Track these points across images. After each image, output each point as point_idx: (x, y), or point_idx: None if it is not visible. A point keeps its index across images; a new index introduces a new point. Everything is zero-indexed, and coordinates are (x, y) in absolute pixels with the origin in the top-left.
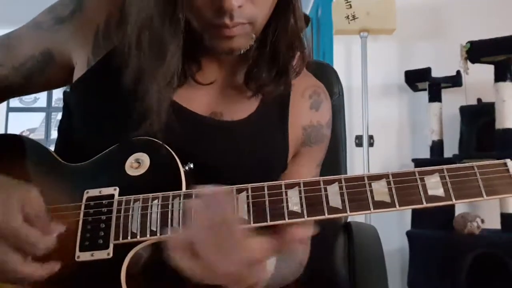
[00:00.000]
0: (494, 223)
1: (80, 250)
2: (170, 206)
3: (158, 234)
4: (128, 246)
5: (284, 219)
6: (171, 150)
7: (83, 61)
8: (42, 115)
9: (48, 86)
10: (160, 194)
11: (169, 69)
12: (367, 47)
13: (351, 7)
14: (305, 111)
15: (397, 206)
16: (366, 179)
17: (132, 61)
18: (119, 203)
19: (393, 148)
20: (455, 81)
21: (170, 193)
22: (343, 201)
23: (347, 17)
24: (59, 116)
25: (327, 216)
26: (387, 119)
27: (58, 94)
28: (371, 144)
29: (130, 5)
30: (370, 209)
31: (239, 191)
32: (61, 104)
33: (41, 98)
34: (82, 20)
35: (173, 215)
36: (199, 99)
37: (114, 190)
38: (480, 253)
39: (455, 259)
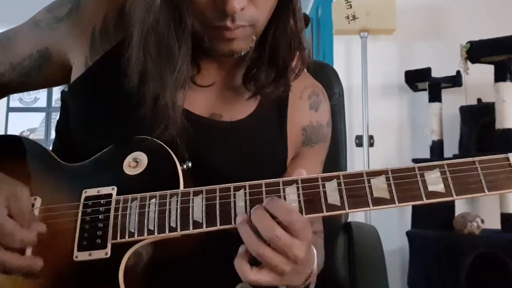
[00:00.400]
0: (494, 223)
1: (78, 250)
2: (167, 204)
3: (155, 233)
4: (126, 246)
5: None
6: (169, 149)
7: (80, 60)
8: (42, 115)
9: (46, 84)
10: (157, 193)
11: (181, 73)
12: (367, 47)
13: (351, 7)
14: (304, 111)
15: (397, 202)
16: (365, 175)
17: (136, 64)
18: (117, 202)
19: (393, 148)
20: (455, 81)
21: (168, 192)
22: (341, 197)
23: (347, 17)
24: (58, 116)
25: (325, 213)
26: (387, 119)
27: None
28: (371, 144)
29: (134, 7)
30: (369, 206)
31: (237, 188)
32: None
33: (41, 98)
34: (78, 19)
35: (171, 213)
36: (198, 101)
37: (112, 190)
38: (480, 253)
39: (455, 259)
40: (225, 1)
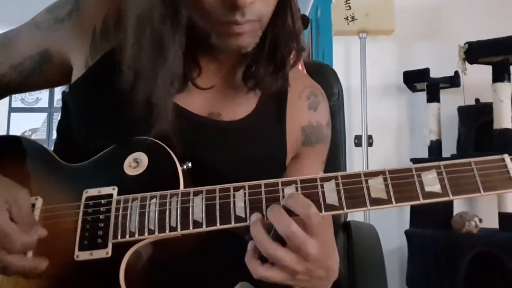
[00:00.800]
0: (492, 222)
1: (79, 250)
2: (168, 204)
3: (156, 233)
4: (127, 245)
5: None
6: (169, 150)
7: (81, 61)
8: (44, 115)
9: (47, 85)
10: (158, 193)
11: (171, 69)
12: (366, 48)
13: (350, 8)
14: (303, 111)
15: (394, 202)
16: (362, 175)
17: (130, 60)
18: (118, 202)
19: (391, 148)
20: (453, 81)
21: (168, 192)
22: (339, 198)
23: (346, 18)
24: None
25: (324, 213)
26: (386, 119)
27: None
28: (370, 144)
29: (129, 4)
30: (367, 206)
31: (236, 189)
32: None
33: (43, 99)
34: (79, 20)
35: (171, 213)
36: (197, 100)
37: (113, 190)
38: (478, 252)
39: (454, 258)
40: None
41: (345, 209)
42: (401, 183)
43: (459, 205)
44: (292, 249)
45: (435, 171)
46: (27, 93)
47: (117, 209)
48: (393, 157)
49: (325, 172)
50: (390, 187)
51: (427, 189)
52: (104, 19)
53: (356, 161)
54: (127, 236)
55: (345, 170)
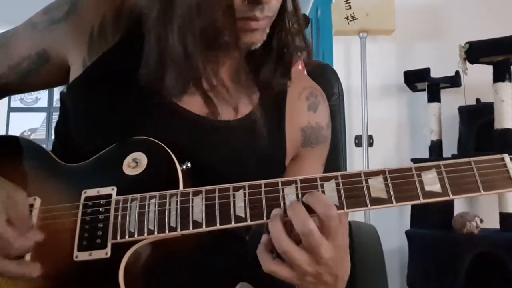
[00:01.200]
0: (493, 222)
1: (79, 250)
2: (167, 204)
3: (155, 233)
4: (126, 245)
5: None
6: (168, 150)
7: (79, 61)
8: (43, 115)
9: (45, 85)
10: (157, 193)
11: (191, 74)
12: (367, 47)
13: (350, 7)
14: (303, 112)
15: (394, 202)
16: (362, 175)
17: (156, 60)
18: (117, 202)
19: (392, 148)
20: (454, 81)
21: (167, 192)
22: (340, 198)
23: (347, 17)
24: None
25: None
26: (386, 119)
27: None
28: (370, 144)
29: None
30: (367, 206)
31: (236, 189)
32: None
33: (42, 98)
34: (76, 21)
35: (171, 213)
36: (196, 100)
37: (112, 190)
38: (479, 252)
39: (454, 259)
40: None
41: (345, 208)
42: (401, 183)
43: (460, 206)
44: (306, 249)
45: (435, 170)
46: (26, 93)
47: (116, 209)
48: (393, 157)
49: (325, 172)
50: (390, 186)
51: (427, 188)
52: (102, 20)
53: (356, 161)
54: (127, 237)
55: (346, 170)
